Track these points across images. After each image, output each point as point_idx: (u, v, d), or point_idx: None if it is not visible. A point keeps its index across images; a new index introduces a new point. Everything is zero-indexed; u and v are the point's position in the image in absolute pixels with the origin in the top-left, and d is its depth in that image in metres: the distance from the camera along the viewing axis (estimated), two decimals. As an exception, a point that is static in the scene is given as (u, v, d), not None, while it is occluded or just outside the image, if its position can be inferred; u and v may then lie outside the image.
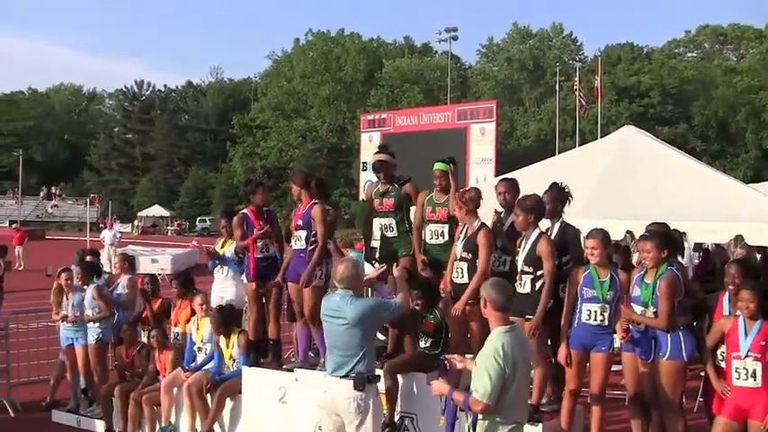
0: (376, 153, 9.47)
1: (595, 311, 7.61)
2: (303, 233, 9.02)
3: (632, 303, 7.58)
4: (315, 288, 8.91)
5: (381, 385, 7.86)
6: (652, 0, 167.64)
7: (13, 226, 43.38)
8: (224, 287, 10.80)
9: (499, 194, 8.61)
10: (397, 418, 8.24)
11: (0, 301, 18.00)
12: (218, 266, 10.90)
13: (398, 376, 8.18)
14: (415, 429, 8.24)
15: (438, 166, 8.85)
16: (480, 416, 5.97)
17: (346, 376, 7.13)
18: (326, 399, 7.28)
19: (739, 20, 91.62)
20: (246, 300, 10.23)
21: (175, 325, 10.79)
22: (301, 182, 9.19)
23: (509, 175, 10.12)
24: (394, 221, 9.15)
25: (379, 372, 7.61)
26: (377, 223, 9.42)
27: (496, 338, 5.97)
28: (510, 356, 5.89)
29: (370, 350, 7.29)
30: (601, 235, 7.73)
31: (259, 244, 9.58)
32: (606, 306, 7.59)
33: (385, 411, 8.05)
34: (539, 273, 7.75)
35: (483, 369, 5.90)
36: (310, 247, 8.98)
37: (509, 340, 5.95)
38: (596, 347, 7.62)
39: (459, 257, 8.09)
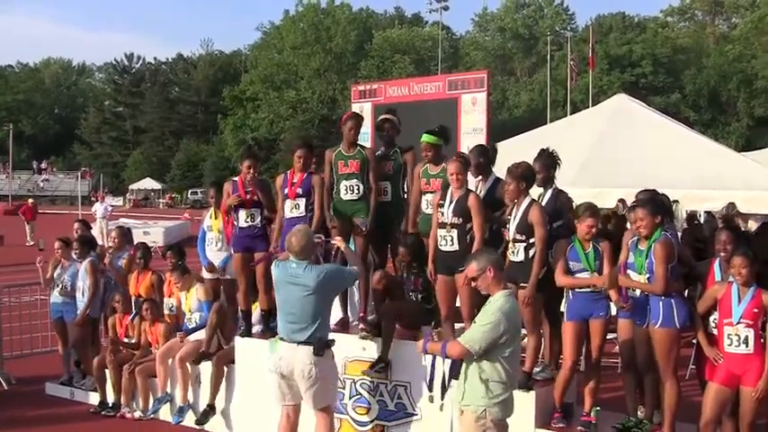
0: (385, 113, 9.74)
1: (585, 280, 7.63)
2: (303, 201, 9.05)
3: (628, 270, 7.55)
4: None
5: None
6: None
7: (30, 201, 42.22)
8: (217, 257, 10.66)
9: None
10: (390, 386, 8.29)
11: None
12: (210, 241, 10.77)
13: (394, 328, 8.26)
14: (408, 398, 8.26)
15: (425, 138, 8.79)
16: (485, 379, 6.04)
17: (305, 342, 7.27)
18: (282, 365, 7.42)
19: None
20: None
21: (169, 296, 10.77)
22: (309, 150, 9.29)
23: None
24: (389, 186, 9.19)
25: (333, 336, 7.69)
26: None
27: (503, 299, 6.10)
28: (515, 317, 6.06)
29: (326, 317, 7.55)
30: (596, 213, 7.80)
31: (243, 213, 9.46)
32: (595, 274, 7.56)
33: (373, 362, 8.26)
34: (531, 240, 7.69)
35: (480, 321, 6.04)
36: (309, 215, 9.03)
37: (513, 303, 6.15)
38: (593, 314, 7.59)
39: (448, 223, 7.93)
